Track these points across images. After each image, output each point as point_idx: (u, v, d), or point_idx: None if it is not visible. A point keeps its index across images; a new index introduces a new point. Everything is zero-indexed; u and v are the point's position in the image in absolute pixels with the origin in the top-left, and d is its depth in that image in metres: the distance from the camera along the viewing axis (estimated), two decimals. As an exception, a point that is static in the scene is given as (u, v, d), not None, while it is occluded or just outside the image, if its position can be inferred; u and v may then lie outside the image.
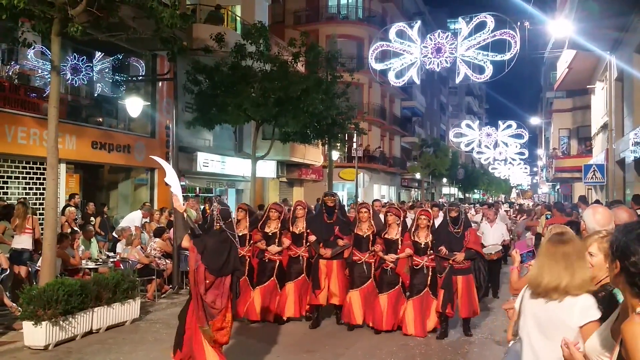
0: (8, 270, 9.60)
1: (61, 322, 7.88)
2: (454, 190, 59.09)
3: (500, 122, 50.47)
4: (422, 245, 8.67)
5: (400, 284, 8.80)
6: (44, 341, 7.70)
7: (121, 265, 11.04)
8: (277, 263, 9.30)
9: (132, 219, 13.35)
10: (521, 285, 4.91)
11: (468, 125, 50.89)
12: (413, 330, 8.56)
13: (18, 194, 13.11)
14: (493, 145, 50.59)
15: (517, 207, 26.95)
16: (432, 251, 8.61)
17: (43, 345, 7.69)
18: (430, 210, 9.53)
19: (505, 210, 22.30)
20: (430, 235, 8.70)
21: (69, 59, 14.10)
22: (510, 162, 56.81)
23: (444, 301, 8.45)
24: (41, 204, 13.05)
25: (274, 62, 16.80)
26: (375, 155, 38.61)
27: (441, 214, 11.47)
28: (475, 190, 64.92)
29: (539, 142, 61.62)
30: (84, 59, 14.62)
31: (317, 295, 9.03)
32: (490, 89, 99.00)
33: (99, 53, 15.31)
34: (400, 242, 8.80)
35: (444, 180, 52.46)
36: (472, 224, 10.17)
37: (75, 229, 11.77)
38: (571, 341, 3.04)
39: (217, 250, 5.71)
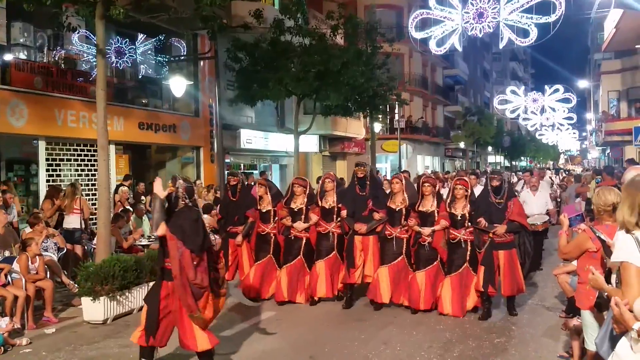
0: (65, 250, 9.99)
1: (118, 297, 8.18)
2: (499, 158, 58.07)
3: (546, 87, 49.20)
4: (459, 218, 8.02)
5: (438, 259, 8.22)
6: (102, 316, 8.02)
7: (172, 241, 11.31)
8: (304, 241, 8.81)
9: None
10: (570, 249, 4.88)
11: (513, 92, 49.78)
12: (450, 310, 7.93)
13: (70, 176, 13.55)
14: (540, 111, 49.43)
15: (564, 174, 26.33)
16: (470, 223, 7.98)
17: (101, 319, 8.02)
18: (467, 179, 8.72)
19: (549, 177, 21.66)
20: (469, 206, 8.03)
21: (113, 42, 14.37)
22: (558, 128, 55.45)
23: (484, 279, 7.78)
24: (93, 184, 13.49)
25: (312, 36, 16.77)
26: (418, 126, 38.21)
27: (480, 184, 11.03)
28: (522, 158, 63.70)
29: (587, 105, 59.80)
30: (127, 41, 14.87)
31: (352, 274, 8.52)
32: (535, 52, 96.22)
33: (142, 35, 15.55)
34: (436, 214, 8.18)
35: (489, 148, 51.64)
36: None
37: (128, 207, 12.15)
38: (622, 300, 3.03)
39: (194, 230, 5.54)
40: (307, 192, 8.88)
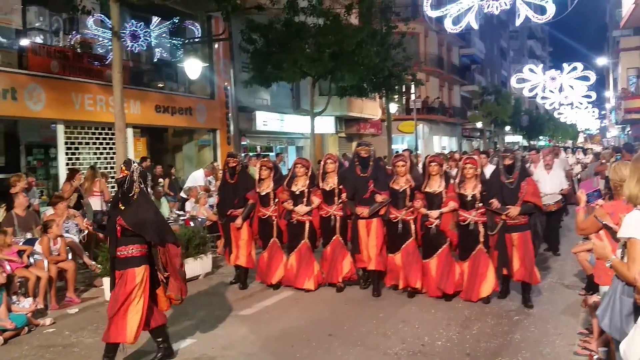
0: (86, 232, 10.11)
1: (138, 277, 8.27)
2: (517, 138, 57.59)
3: (565, 65, 48.44)
4: (469, 199, 7.56)
5: (447, 243, 7.77)
6: (124, 295, 8.12)
7: (191, 223, 11.44)
8: (308, 224, 8.47)
9: (195, 178, 13.72)
10: (587, 225, 4.84)
11: (531, 70, 49.12)
12: (464, 294, 7.70)
13: (89, 160, 13.68)
14: (558, 89, 48.77)
15: (581, 153, 25.93)
16: (481, 204, 7.53)
17: (124, 299, 8.13)
18: (476, 157, 8.27)
19: (565, 157, 21.19)
20: (480, 186, 7.59)
21: (128, 26, 14.38)
22: (576, 106, 54.79)
23: (499, 264, 7.49)
24: (112, 167, 13.61)
25: (326, 16, 16.65)
26: (434, 106, 37.94)
27: (492, 163, 10.63)
28: (541, 137, 63.07)
29: (606, 83, 58.93)
30: (141, 25, 14.87)
31: (360, 259, 8.25)
32: (553, 30, 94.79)
33: (156, 18, 15.54)
34: (444, 195, 7.74)
35: (507, 128, 51.23)
36: None
37: (146, 189, 12.25)
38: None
39: (163, 222, 5.59)
40: (309, 173, 8.53)
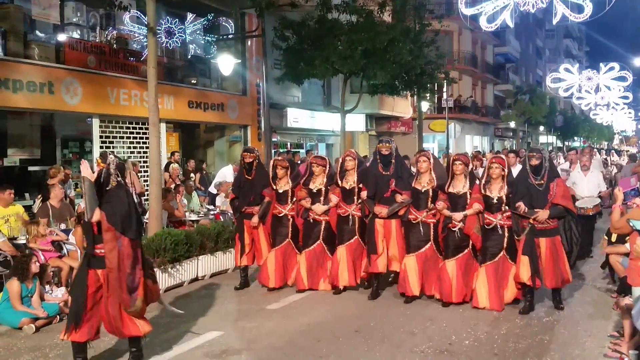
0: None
1: (169, 270, 8.41)
2: (552, 138, 56.64)
3: (601, 65, 47.51)
4: (495, 201, 7.15)
5: (470, 246, 7.37)
6: (155, 287, 8.26)
7: (221, 217, 11.56)
8: (324, 224, 8.15)
9: (224, 174, 13.84)
10: (623, 223, 4.76)
11: (567, 70, 48.27)
12: (487, 303, 7.16)
13: (123, 154, 13.92)
14: (594, 90, 47.84)
15: (615, 155, 25.39)
16: (507, 207, 7.13)
17: (154, 290, 8.26)
18: (504, 156, 7.83)
19: (604, 159, 20.76)
20: (506, 187, 7.17)
21: (163, 22, 14.60)
22: (612, 107, 53.65)
23: (530, 271, 6.94)
24: (145, 161, 13.84)
25: (360, 13, 16.60)
26: (467, 105, 37.54)
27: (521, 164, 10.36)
28: (576, 138, 61.93)
29: (645, 84, 57.62)
30: (176, 21, 15.09)
31: (374, 262, 7.79)
32: (590, 29, 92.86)
33: (191, 15, 15.75)
34: (468, 196, 7.32)
35: (541, 128, 50.39)
36: (561, 173, 8.56)
37: (178, 183, 12.43)
38: None
39: (130, 215, 5.21)
40: (327, 171, 8.20)
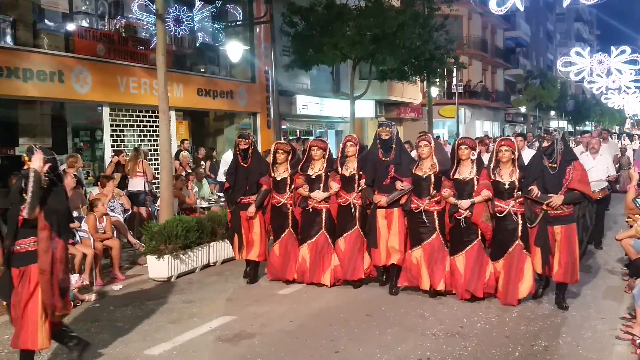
0: (130, 211, 10.39)
1: (181, 256, 8.47)
2: (563, 123, 56.24)
3: (612, 48, 46.92)
4: (507, 186, 6.65)
5: (479, 237, 6.87)
6: (167, 273, 8.33)
7: (231, 204, 11.58)
8: (325, 212, 7.66)
9: (226, 161, 13.83)
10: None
11: (578, 53, 47.72)
12: (503, 299, 6.81)
13: (134, 142, 13.97)
14: (605, 74, 47.28)
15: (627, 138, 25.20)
16: (519, 192, 6.66)
17: (166, 277, 8.34)
18: (513, 139, 7.20)
19: (623, 146, 20.25)
20: (518, 171, 6.72)
21: (171, 10, 14.57)
22: (624, 91, 53.07)
23: (542, 262, 6.57)
24: (155, 149, 13.89)
25: (368, -2, 16.54)
26: (477, 90, 37.34)
27: (532, 147, 9.77)
28: (587, 122, 61.47)
29: (657, 67, 56.92)
30: (184, 9, 15.05)
31: (376, 255, 7.38)
32: (601, 12, 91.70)
33: (199, 2, 15.71)
34: (475, 182, 6.83)
35: (552, 113, 50.08)
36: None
37: (189, 171, 12.48)
38: None
39: (67, 215, 4.99)
40: (327, 156, 7.76)
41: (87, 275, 7.89)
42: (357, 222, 7.54)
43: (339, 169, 7.58)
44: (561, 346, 5.57)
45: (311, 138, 21.35)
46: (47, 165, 4.74)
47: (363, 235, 7.56)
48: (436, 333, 5.95)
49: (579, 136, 15.95)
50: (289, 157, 7.91)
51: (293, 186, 7.79)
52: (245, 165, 7.93)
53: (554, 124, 56.21)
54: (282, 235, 7.92)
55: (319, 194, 7.59)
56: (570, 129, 54.35)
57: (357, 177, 7.49)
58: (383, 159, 7.30)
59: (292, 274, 7.88)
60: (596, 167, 9.78)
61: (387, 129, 7.37)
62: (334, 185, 7.56)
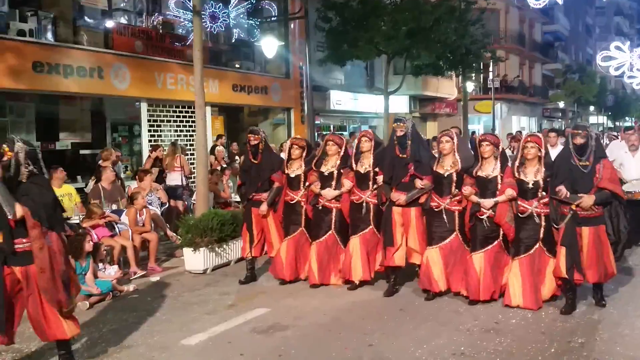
0: (167, 204, 10.58)
1: (216, 249, 8.59)
2: (602, 118, 55.03)
3: (655, 42, 45.75)
4: (531, 186, 6.31)
5: (501, 237, 6.59)
6: (202, 266, 8.47)
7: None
8: (335, 212, 7.41)
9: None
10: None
11: (618, 48, 46.58)
12: (520, 301, 6.37)
13: (170, 137, 14.20)
14: (646, 68, 46.15)
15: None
16: (545, 193, 6.32)
17: (202, 269, 8.47)
18: (540, 135, 6.80)
19: None
20: (544, 170, 6.34)
21: (207, 7, 14.76)
22: (666, 86, 51.63)
23: (568, 264, 6.13)
24: (191, 144, 14.08)
25: (403, -8, 16.45)
26: (514, 85, 36.75)
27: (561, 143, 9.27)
28: (627, 118, 59.97)
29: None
30: (220, 5, 15.24)
31: (391, 255, 7.02)
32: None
33: (235, -1, 15.89)
34: (499, 181, 6.50)
35: (591, 108, 49.03)
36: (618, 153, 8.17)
37: (225, 166, 12.64)
38: None
39: (55, 206, 4.78)
40: (342, 152, 7.46)
41: (132, 266, 8.13)
42: (372, 222, 7.26)
43: (354, 166, 7.31)
44: (598, 343, 5.49)
45: (345, 133, 21.44)
46: (22, 155, 4.56)
47: (378, 235, 7.26)
48: (470, 328, 5.92)
49: (612, 132, 15.21)
50: (304, 153, 7.69)
51: (307, 183, 7.54)
52: (256, 162, 7.69)
53: (593, 120, 55.03)
54: (295, 234, 7.65)
55: (329, 192, 7.35)
56: (610, 124, 53.16)
57: (372, 174, 7.19)
58: (401, 155, 6.96)
59: (302, 273, 7.69)
60: (637, 165, 9.29)
61: (402, 124, 6.99)
62: (347, 183, 7.30)
